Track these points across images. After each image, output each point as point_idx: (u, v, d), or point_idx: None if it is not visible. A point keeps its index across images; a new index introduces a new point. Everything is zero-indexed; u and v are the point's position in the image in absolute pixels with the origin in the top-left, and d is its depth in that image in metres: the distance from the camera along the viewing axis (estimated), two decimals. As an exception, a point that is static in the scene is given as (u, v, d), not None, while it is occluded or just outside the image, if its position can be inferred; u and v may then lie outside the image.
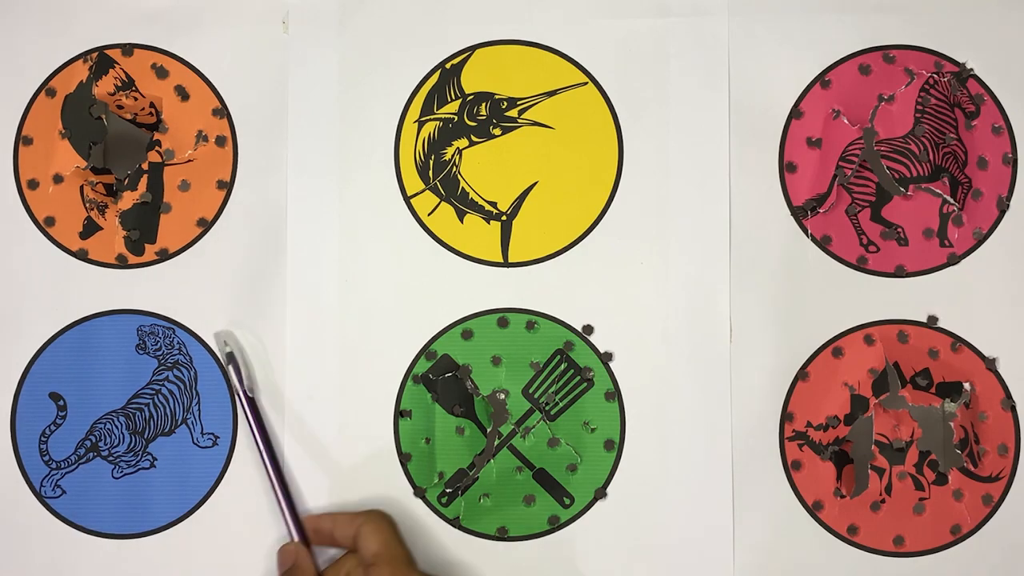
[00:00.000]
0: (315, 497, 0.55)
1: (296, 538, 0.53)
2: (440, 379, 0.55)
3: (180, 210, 0.56)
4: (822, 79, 0.56)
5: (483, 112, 0.56)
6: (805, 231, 0.55)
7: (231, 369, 0.54)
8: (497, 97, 0.56)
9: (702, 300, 0.55)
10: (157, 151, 0.56)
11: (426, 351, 0.55)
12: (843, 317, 0.55)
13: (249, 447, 0.55)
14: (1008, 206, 0.55)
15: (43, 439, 0.55)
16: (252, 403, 0.54)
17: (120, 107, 0.56)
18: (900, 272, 0.55)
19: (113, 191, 0.56)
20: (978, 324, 0.55)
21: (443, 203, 0.56)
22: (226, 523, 0.55)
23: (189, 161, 0.56)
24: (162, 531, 0.55)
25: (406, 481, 0.55)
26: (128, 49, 0.57)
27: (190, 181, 0.56)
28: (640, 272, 0.55)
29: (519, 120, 0.56)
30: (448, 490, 0.55)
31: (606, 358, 0.55)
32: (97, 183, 0.56)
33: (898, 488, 0.54)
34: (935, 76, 0.55)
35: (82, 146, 0.56)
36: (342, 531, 0.52)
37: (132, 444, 0.55)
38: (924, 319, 0.55)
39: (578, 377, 0.55)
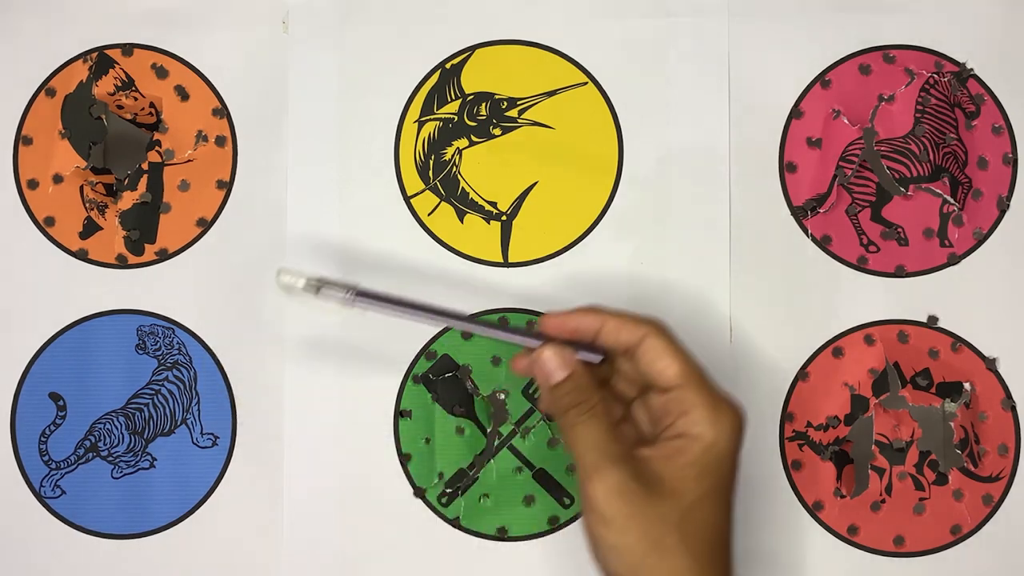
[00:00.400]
0: (315, 498, 0.55)
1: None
2: (440, 379, 0.55)
3: (180, 210, 0.56)
4: (822, 79, 0.56)
5: (483, 112, 0.56)
6: (805, 231, 0.55)
7: (323, 293, 0.45)
8: (497, 97, 0.56)
9: (702, 300, 0.55)
10: (157, 151, 0.56)
11: (426, 351, 0.55)
12: (843, 317, 0.55)
13: (245, 446, 0.55)
14: (1008, 206, 0.55)
15: (43, 439, 0.55)
16: (364, 294, 0.45)
17: (120, 107, 0.56)
18: (900, 272, 0.55)
19: (113, 191, 0.56)
20: (978, 324, 0.55)
21: (443, 203, 0.56)
22: (226, 523, 0.55)
23: (189, 161, 0.56)
24: (162, 531, 0.55)
25: (406, 481, 0.55)
26: (128, 49, 0.57)
27: (190, 181, 0.56)
28: (640, 272, 0.55)
29: (519, 120, 0.56)
30: (448, 490, 0.55)
31: (606, 358, 0.55)
32: (97, 183, 0.56)
33: (898, 488, 0.54)
34: (935, 76, 0.55)
35: (82, 146, 0.56)
36: (615, 336, 0.44)
37: (132, 444, 0.55)
38: (924, 319, 0.55)
39: (578, 377, 0.55)
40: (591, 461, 0.42)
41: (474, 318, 0.46)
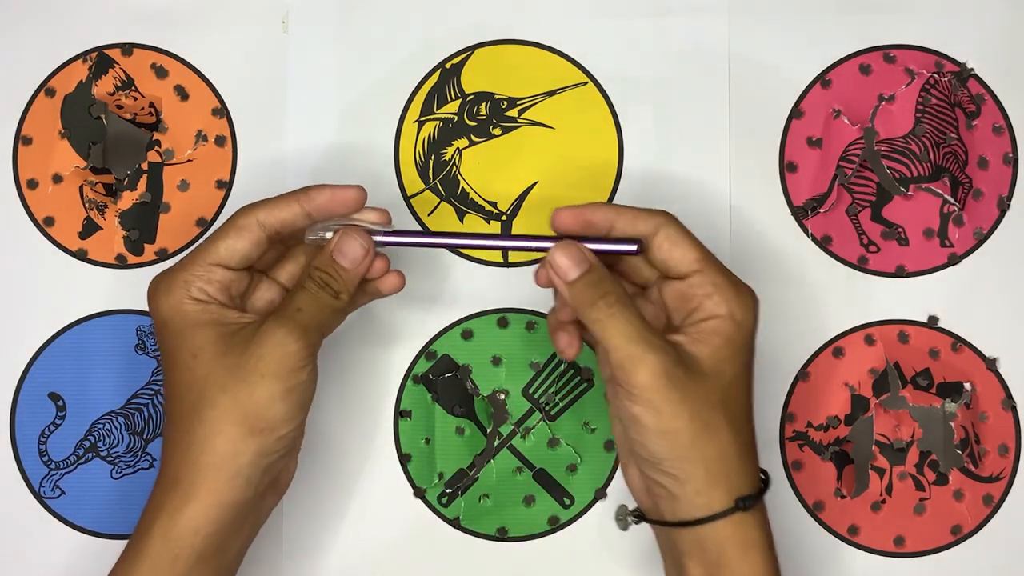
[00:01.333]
0: (316, 498, 0.55)
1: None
2: (440, 379, 0.55)
3: (179, 210, 0.56)
4: (822, 79, 0.56)
5: (483, 112, 0.56)
6: (805, 231, 0.55)
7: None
8: (497, 97, 0.56)
9: (702, 300, 0.55)
10: (156, 151, 0.56)
11: (426, 351, 0.55)
12: (843, 317, 0.55)
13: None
14: (1009, 206, 0.55)
15: (42, 439, 0.55)
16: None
17: (120, 107, 0.56)
18: (900, 272, 0.55)
19: (112, 191, 0.56)
20: (978, 324, 0.55)
21: (443, 203, 0.56)
22: (226, 523, 0.55)
23: (189, 161, 0.56)
24: (161, 531, 0.55)
25: (406, 481, 0.55)
26: (128, 49, 0.56)
27: (189, 181, 0.56)
28: (640, 272, 0.55)
29: (519, 120, 0.56)
30: (448, 490, 0.55)
31: (606, 358, 0.55)
32: (96, 183, 0.56)
33: (899, 488, 0.54)
34: (935, 76, 0.55)
35: (82, 146, 0.56)
36: (631, 227, 0.44)
37: (131, 444, 0.55)
38: (924, 319, 0.55)
39: (578, 377, 0.55)
40: (633, 352, 0.41)
41: (485, 235, 0.48)
